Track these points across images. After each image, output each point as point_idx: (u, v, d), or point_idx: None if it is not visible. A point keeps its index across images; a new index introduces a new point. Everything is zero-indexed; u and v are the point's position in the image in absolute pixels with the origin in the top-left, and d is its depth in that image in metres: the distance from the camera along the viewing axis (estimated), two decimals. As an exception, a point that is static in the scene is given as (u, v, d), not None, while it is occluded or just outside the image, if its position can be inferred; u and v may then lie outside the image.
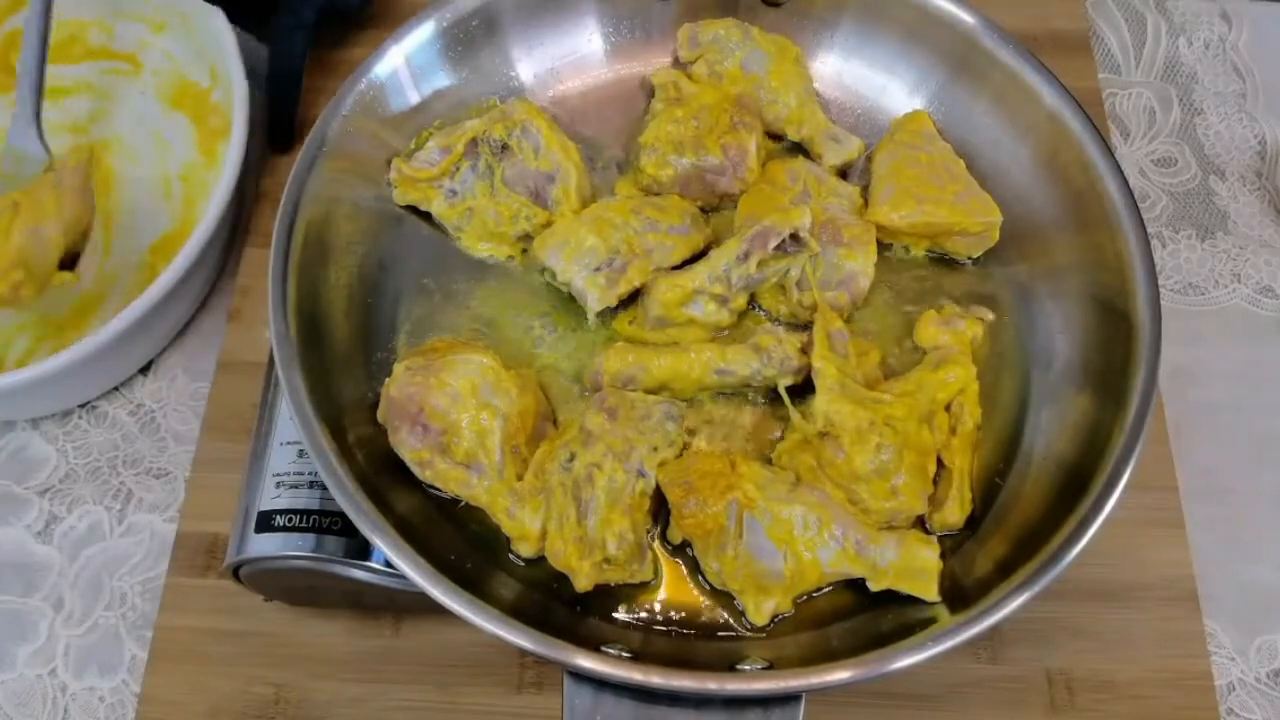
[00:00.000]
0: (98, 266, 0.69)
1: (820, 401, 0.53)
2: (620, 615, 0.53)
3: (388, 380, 0.55)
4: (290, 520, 0.52)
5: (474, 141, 0.61)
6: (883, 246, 0.61)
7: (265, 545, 0.52)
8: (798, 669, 0.47)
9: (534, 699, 0.58)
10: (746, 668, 0.49)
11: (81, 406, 0.67)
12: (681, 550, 0.54)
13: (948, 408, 0.56)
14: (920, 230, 0.61)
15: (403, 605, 0.56)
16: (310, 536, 0.52)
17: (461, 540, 0.54)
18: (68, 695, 0.60)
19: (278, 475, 0.54)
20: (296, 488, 0.53)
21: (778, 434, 0.57)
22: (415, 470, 0.54)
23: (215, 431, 0.64)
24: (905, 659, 0.46)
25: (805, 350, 0.56)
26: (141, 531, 0.64)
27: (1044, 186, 0.61)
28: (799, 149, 0.66)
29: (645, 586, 0.53)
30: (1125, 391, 0.53)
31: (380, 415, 0.55)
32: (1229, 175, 0.76)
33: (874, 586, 0.52)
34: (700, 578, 0.54)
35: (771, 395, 0.58)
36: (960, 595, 0.50)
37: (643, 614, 0.53)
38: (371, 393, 0.56)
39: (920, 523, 0.55)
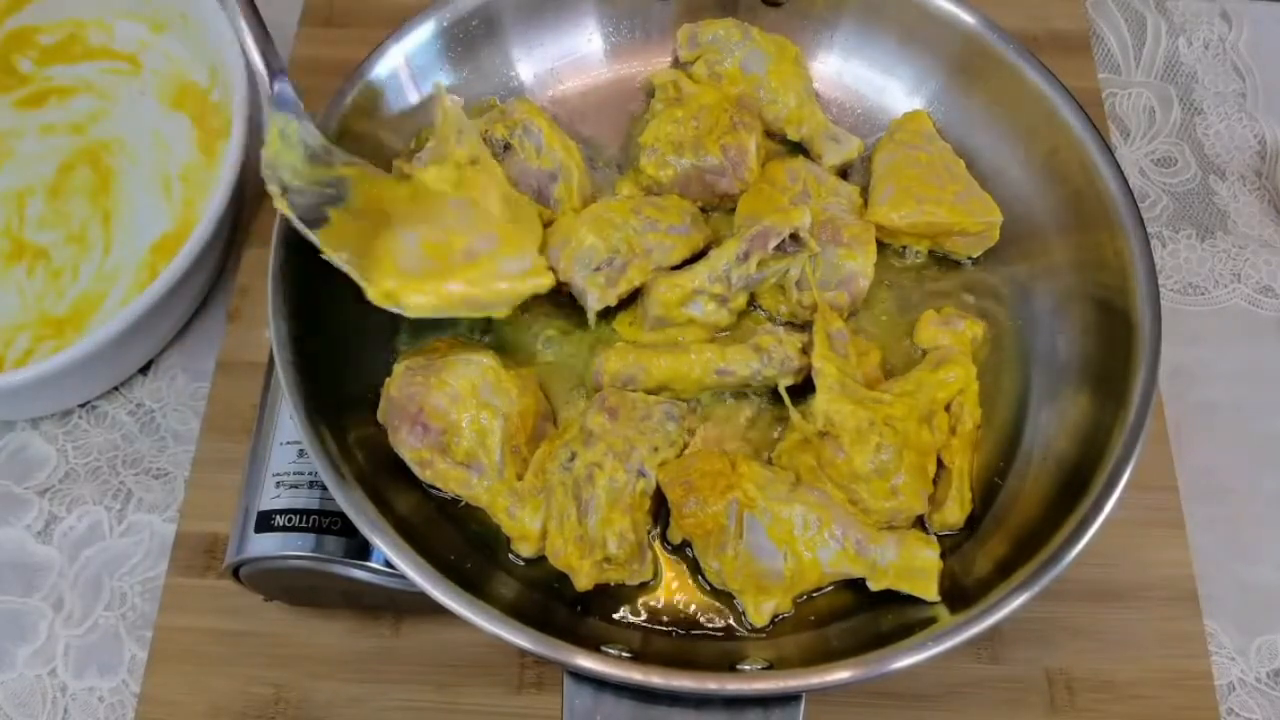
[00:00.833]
0: (97, 266, 0.69)
1: (820, 401, 0.53)
2: (620, 615, 0.53)
3: (388, 380, 0.55)
4: (290, 520, 0.52)
5: (474, 141, 0.61)
6: (883, 246, 0.61)
7: (265, 545, 0.52)
8: (798, 669, 0.47)
9: (534, 699, 0.58)
10: (746, 668, 0.49)
11: (81, 406, 0.67)
12: (681, 550, 0.54)
13: (948, 408, 0.56)
14: (920, 230, 0.61)
15: (403, 605, 0.56)
16: (310, 536, 0.52)
17: (461, 540, 0.54)
18: (68, 695, 0.60)
19: (278, 475, 0.54)
20: (296, 488, 0.53)
21: (777, 434, 0.57)
22: (415, 470, 0.54)
23: (215, 431, 0.64)
24: (905, 659, 0.46)
25: (806, 350, 0.56)
26: (141, 531, 0.64)
27: (1044, 186, 0.61)
28: (799, 149, 0.66)
29: (645, 587, 0.53)
30: (1125, 391, 0.53)
31: (380, 415, 0.55)
32: (1229, 175, 0.76)
33: (874, 586, 0.52)
34: (700, 578, 0.54)
35: (772, 395, 0.58)
36: (960, 595, 0.50)
37: (643, 614, 0.53)
38: (371, 393, 0.56)
39: (920, 523, 0.55)
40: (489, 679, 0.58)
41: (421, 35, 0.62)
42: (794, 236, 0.57)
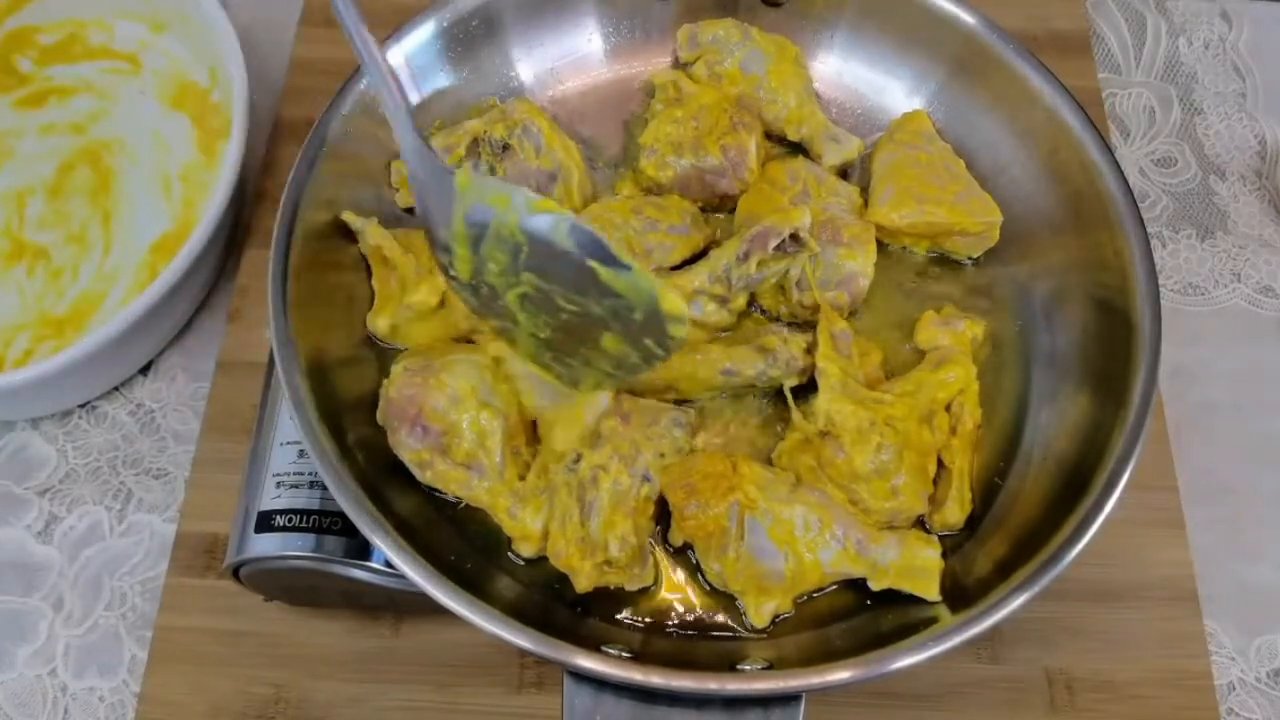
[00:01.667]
0: (97, 266, 0.69)
1: (822, 401, 0.53)
2: (620, 616, 0.53)
3: (386, 381, 0.55)
4: (290, 520, 0.52)
5: (475, 141, 0.61)
6: (882, 246, 0.61)
7: (265, 545, 0.52)
8: (798, 669, 0.47)
9: (534, 699, 0.58)
10: (747, 668, 0.49)
11: (81, 406, 0.67)
12: (682, 553, 0.54)
13: (948, 408, 0.56)
14: (920, 230, 0.61)
15: (403, 605, 0.56)
16: (310, 536, 0.52)
17: (461, 541, 0.54)
18: (68, 695, 0.60)
19: (278, 475, 0.54)
20: (296, 488, 0.53)
21: (779, 431, 0.57)
22: (415, 472, 0.54)
23: (215, 431, 0.64)
24: (905, 659, 0.46)
25: (810, 350, 0.56)
26: (141, 531, 0.64)
27: (1044, 186, 0.61)
28: (799, 149, 0.66)
29: (645, 590, 0.53)
30: (1125, 391, 0.53)
31: (379, 417, 0.55)
32: (1229, 175, 0.76)
33: (875, 586, 0.52)
34: (701, 579, 0.54)
35: (774, 396, 0.58)
36: (960, 595, 0.50)
37: (643, 615, 0.53)
38: (371, 393, 0.56)
39: (920, 523, 0.55)
40: (489, 679, 0.58)
41: (421, 35, 0.62)
42: (794, 237, 0.57)
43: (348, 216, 0.58)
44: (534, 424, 0.55)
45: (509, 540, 0.54)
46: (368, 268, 0.59)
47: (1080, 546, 0.48)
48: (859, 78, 0.68)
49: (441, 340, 0.57)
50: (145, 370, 0.68)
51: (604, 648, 0.47)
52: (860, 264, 0.58)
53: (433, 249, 0.52)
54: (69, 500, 0.65)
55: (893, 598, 0.52)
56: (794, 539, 0.51)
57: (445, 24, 0.63)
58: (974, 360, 0.58)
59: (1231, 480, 0.66)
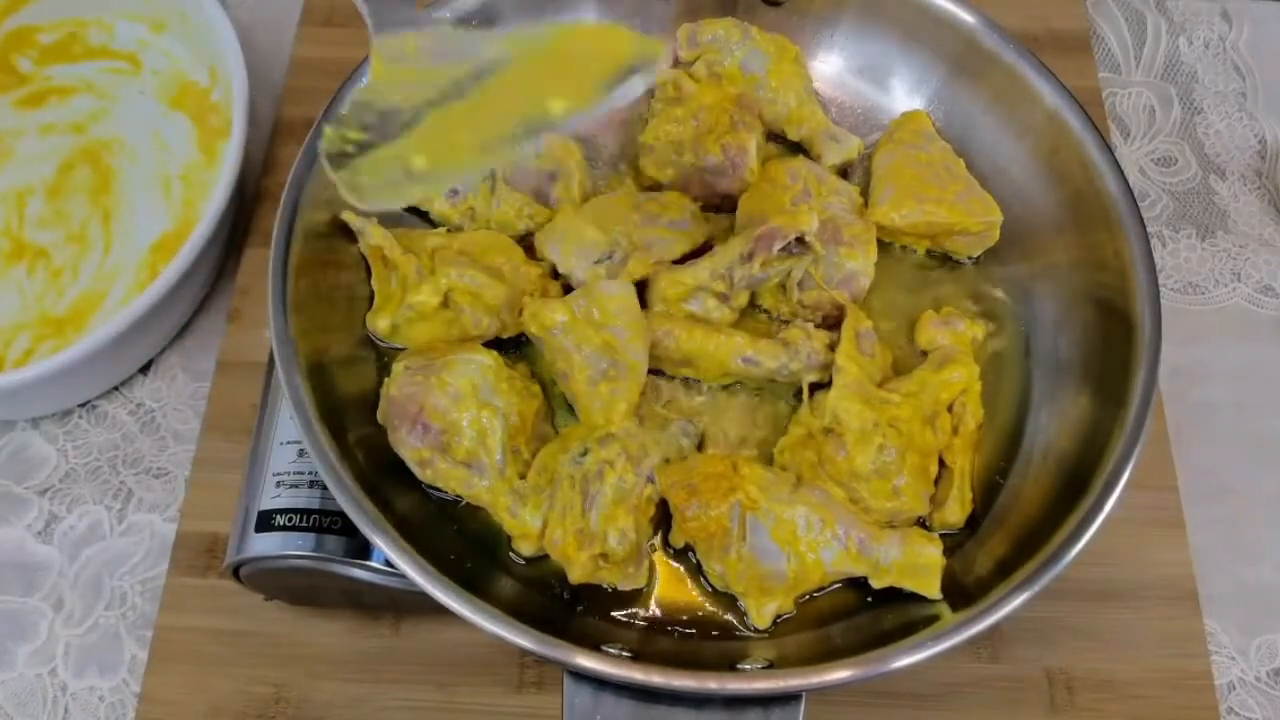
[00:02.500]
0: (98, 266, 0.69)
1: (832, 397, 0.53)
2: (621, 615, 0.53)
3: (387, 380, 0.55)
4: (290, 520, 0.52)
5: (474, 141, 0.61)
6: (883, 246, 0.61)
7: (265, 545, 0.52)
8: (798, 668, 0.47)
9: (534, 699, 0.58)
10: (747, 667, 0.49)
11: (81, 406, 0.67)
12: (683, 555, 0.54)
13: (950, 408, 0.56)
14: (921, 230, 0.61)
15: (403, 605, 0.56)
16: (310, 536, 0.52)
17: (461, 540, 0.54)
18: (68, 695, 0.60)
19: (278, 475, 0.54)
20: (296, 487, 0.53)
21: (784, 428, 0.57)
22: (416, 471, 0.54)
23: (215, 431, 0.64)
24: (906, 658, 0.46)
25: (833, 348, 0.56)
26: (141, 531, 0.64)
27: (1044, 186, 0.61)
28: (799, 148, 0.66)
29: (644, 591, 0.53)
30: (1125, 391, 0.53)
31: (380, 415, 0.55)
32: (1229, 174, 0.76)
33: (876, 584, 0.52)
34: (702, 579, 0.54)
35: (782, 399, 0.58)
36: (961, 594, 0.50)
37: (643, 614, 0.53)
38: (371, 393, 0.56)
39: (921, 522, 0.55)
40: (489, 679, 0.58)
41: (421, 35, 0.62)
42: (799, 239, 0.56)
43: (348, 216, 0.58)
44: (533, 424, 0.55)
45: (509, 539, 0.54)
46: (368, 268, 0.59)
47: (1080, 546, 0.48)
48: (859, 77, 0.68)
49: (442, 340, 0.57)
50: (145, 370, 0.68)
51: (604, 647, 0.48)
52: (861, 263, 0.58)
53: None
54: (69, 500, 0.65)
55: (893, 596, 0.52)
56: (796, 539, 0.51)
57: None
58: (974, 360, 0.58)
59: (1231, 480, 0.66)
